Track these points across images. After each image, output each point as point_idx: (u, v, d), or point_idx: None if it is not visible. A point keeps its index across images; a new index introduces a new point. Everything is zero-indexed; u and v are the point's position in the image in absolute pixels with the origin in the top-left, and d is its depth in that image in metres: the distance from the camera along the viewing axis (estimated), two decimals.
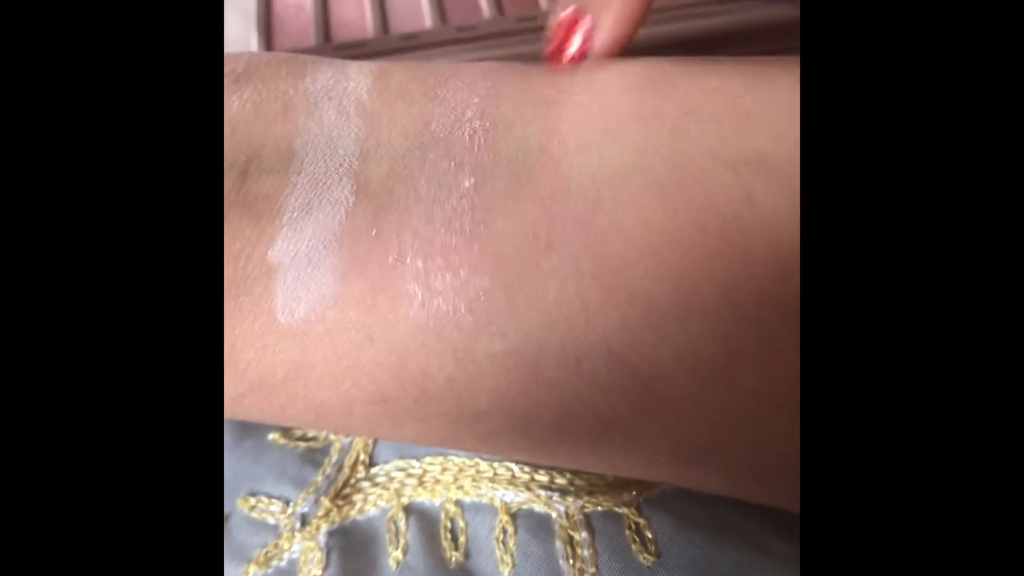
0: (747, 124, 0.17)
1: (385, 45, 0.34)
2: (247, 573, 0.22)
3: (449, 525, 0.22)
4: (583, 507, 0.22)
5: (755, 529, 0.21)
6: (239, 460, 0.24)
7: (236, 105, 0.19)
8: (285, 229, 0.18)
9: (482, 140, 0.18)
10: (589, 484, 0.22)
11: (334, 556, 0.22)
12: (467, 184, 0.18)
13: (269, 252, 0.18)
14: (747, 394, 0.17)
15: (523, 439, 0.18)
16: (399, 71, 0.20)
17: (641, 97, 0.18)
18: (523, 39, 0.34)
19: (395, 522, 0.22)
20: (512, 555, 0.21)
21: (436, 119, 0.19)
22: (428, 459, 0.23)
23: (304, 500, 0.23)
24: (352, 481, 0.23)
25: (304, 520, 0.23)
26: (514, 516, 0.22)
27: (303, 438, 0.24)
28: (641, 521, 0.21)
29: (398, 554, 0.21)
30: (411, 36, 0.34)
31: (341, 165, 0.18)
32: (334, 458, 0.24)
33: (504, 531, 0.21)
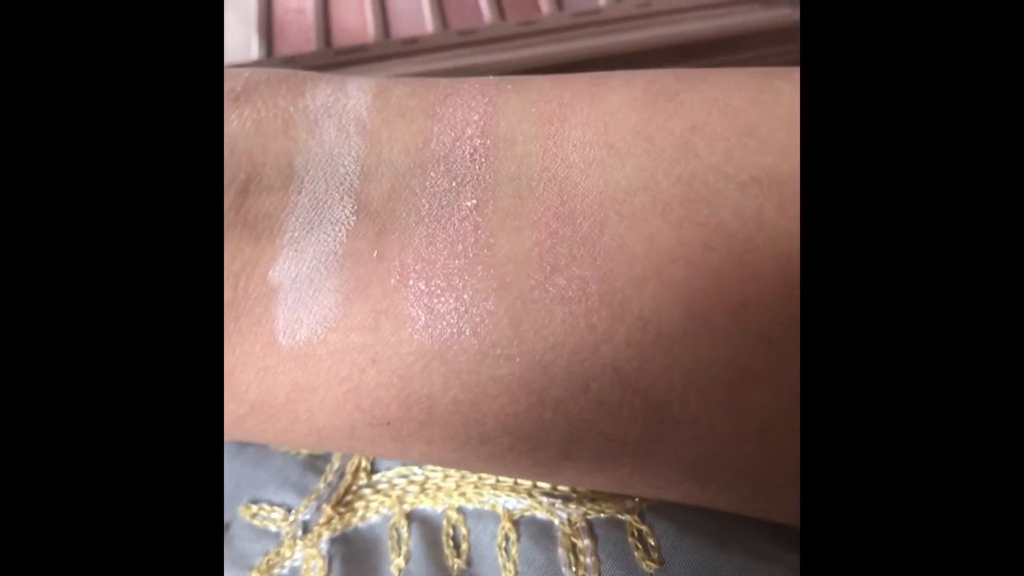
0: (752, 140, 0.17)
1: (386, 50, 0.34)
2: None
3: (451, 532, 0.22)
4: (586, 514, 0.22)
5: (758, 537, 0.21)
6: (241, 467, 0.24)
7: (236, 123, 0.19)
8: (286, 249, 0.18)
9: (483, 159, 0.18)
10: (592, 491, 0.22)
11: (336, 564, 0.21)
12: (469, 204, 0.18)
13: (270, 272, 0.18)
14: (757, 413, 0.16)
15: (530, 461, 0.18)
16: (398, 88, 0.20)
17: (646, 114, 0.18)
18: (524, 43, 0.34)
19: (397, 529, 0.22)
20: (515, 562, 0.21)
21: (436, 137, 0.19)
22: (430, 466, 0.23)
23: (306, 507, 0.23)
24: (354, 488, 0.23)
25: (306, 527, 0.22)
26: (516, 523, 0.22)
27: None
28: (644, 528, 0.21)
29: (400, 561, 0.21)
30: (412, 41, 0.34)
31: (342, 184, 0.18)
32: (336, 465, 0.24)
33: (507, 538, 0.21)
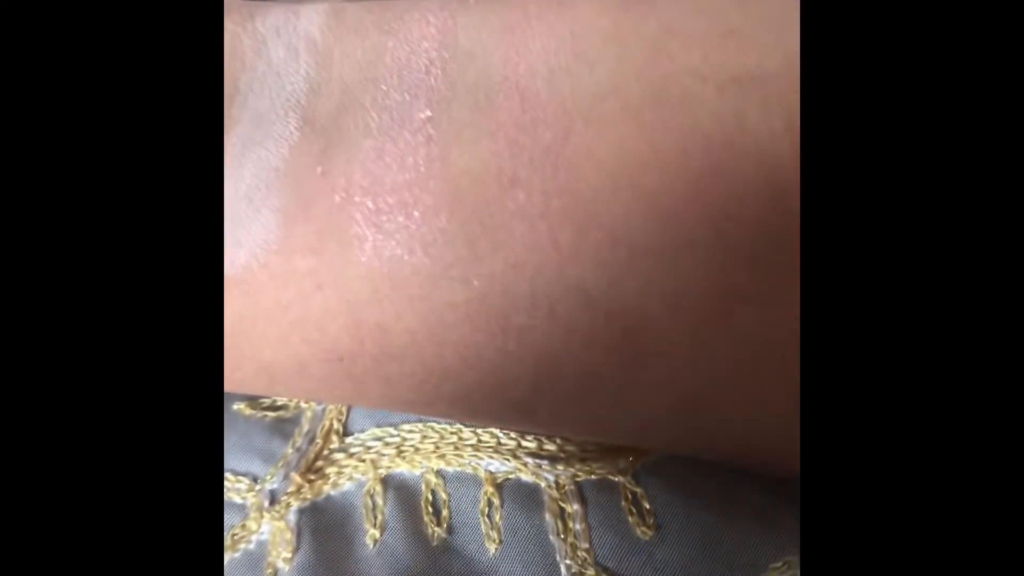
0: (734, 41, 0.16)
1: None
2: None
3: (430, 498, 0.20)
4: (575, 476, 0.20)
5: (763, 500, 0.19)
6: None
7: None
8: (224, 167, 0.17)
9: (439, 71, 0.17)
10: (581, 450, 0.20)
11: (305, 537, 0.20)
12: (422, 116, 0.17)
13: None
14: (744, 341, 0.16)
15: (499, 400, 0.17)
16: (353, 7, 0.19)
17: (617, 17, 0.17)
18: None
19: (372, 496, 0.21)
20: (498, 530, 0.19)
21: (391, 52, 0.18)
22: (407, 427, 0.21)
23: (273, 476, 0.21)
24: (325, 453, 0.22)
25: (273, 498, 0.21)
26: (500, 487, 0.20)
27: (271, 407, 0.23)
28: (638, 491, 0.19)
29: (375, 532, 0.20)
30: None
31: (288, 101, 0.18)
32: (305, 428, 0.22)
33: (489, 504, 0.20)
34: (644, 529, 0.19)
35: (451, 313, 0.16)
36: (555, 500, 0.20)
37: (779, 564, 0.18)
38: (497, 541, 0.19)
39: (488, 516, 0.20)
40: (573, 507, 0.19)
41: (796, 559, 0.18)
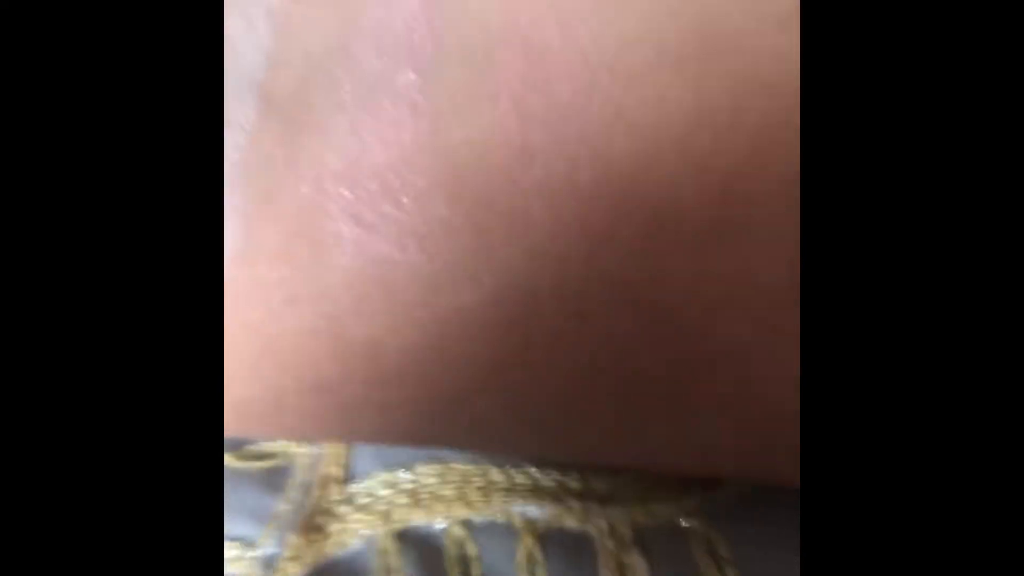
0: None
1: None
2: None
3: (456, 554, 0.17)
4: (634, 520, 0.17)
5: None
6: None
7: None
8: None
9: (424, 28, 0.14)
10: (638, 487, 0.17)
11: None
12: (404, 82, 0.14)
13: None
14: None
15: (526, 426, 0.15)
16: None
17: None
18: None
19: (386, 556, 0.17)
20: None
21: (364, 11, 0.15)
22: (422, 468, 0.18)
23: (267, 538, 0.18)
24: (325, 506, 0.18)
25: (269, 564, 0.18)
26: (542, 538, 0.17)
27: (260, 455, 0.19)
28: (713, 535, 0.16)
29: None
30: None
31: (242, 78, 0.15)
32: (300, 477, 0.19)
33: (530, 559, 0.17)
34: None
35: (458, 322, 0.14)
36: (611, 552, 0.16)
37: None
38: None
39: (530, 573, 0.17)
40: (634, 558, 0.16)
41: None
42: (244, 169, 0.15)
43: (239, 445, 0.19)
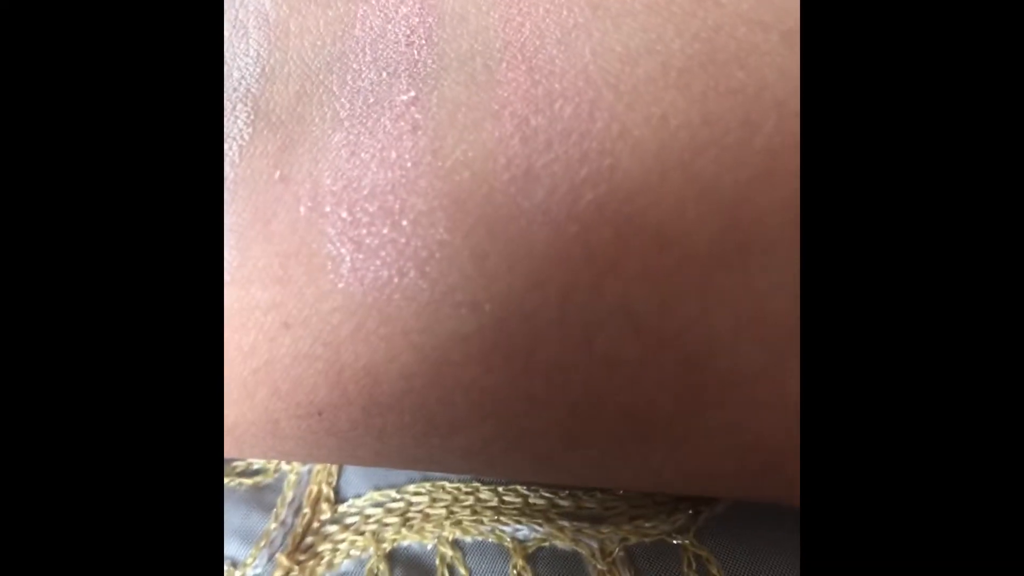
0: None
1: None
2: None
3: (447, 575, 0.17)
4: (624, 539, 0.16)
5: None
6: None
7: None
8: None
9: (423, 40, 0.14)
10: (629, 506, 0.17)
11: None
12: (404, 99, 0.13)
13: None
14: None
15: (523, 454, 0.14)
16: None
17: None
18: None
19: None
20: None
21: (361, 21, 0.14)
22: (412, 488, 0.18)
23: (255, 559, 0.17)
24: (315, 526, 0.18)
25: None
26: (532, 558, 0.17)
27: (247, 472, 0.19)
28: (703, 553, 0.16)
29: None
30: None
31: (236, 90, 0.14)
32: (288, 496, 0.18)
33: None
34: None
35: (459, 349, 0.13)
36: (602, 572, 0.16)
37: None
38: None
39: None
40: None
41: None
42: (237, 186, 0.14)
43: (226, 461, 0.19)
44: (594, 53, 0.13)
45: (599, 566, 0.16)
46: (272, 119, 0.14)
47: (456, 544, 0.17)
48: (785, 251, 0.12)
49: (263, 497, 0.18)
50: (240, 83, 0.15)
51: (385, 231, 0.13)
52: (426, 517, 0.17)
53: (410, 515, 0.18)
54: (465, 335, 0.13)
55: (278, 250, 0.14)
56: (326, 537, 0.18)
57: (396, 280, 0.13)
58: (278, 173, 0.14)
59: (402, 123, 0.13)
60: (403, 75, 0.14)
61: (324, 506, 0.18)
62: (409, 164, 0.13)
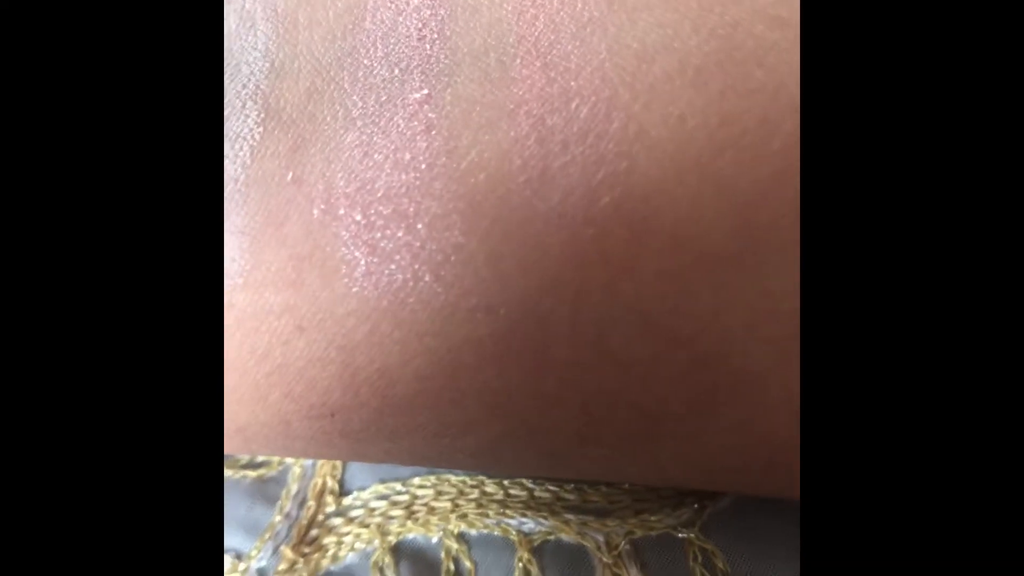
0: None
1: None
2: None
3: (452, 568, 0.17)
4: (629, 533, 0.16)
5: None
6: None
7: None
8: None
9: (435, 35, 0.14)
10: (633, 499, 0.17)
11: None
12: (417, 97, 0.13)
13: None
14: None
15: (533, 452, 0.14)
16: None
17: None
18: None
19: (381, 570, 0.17)
20: None
21: (371, 14, 0.14)
22: (417, 481, 0.18)
23: (259, 551, 0.17)
24: (320, 518, 0.18)
25: None
26: (537, 551, 0.17)
27: (251, 464, 0.19)
28: (709, 547, 0.16)
29: None
30: None
31: (244, 87, 0.14)
32: (293, 488, 0.18)
33: (526, 573, 0.16)
34: None
35: (473, 352, 0.13)
36: (607, 565, 0.16)
37: None
38: None
39: None
40: (630, 572, 0.16)
41: None
42: (249, 188, 0.14)
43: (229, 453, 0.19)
44: (610, 50, 0.13)
45: (605, 559, 0.16)
46: (283, 118, 0.14)
47: (461, 537, 0.17)
48: (798, 251, 0.12)
49: (267, 490, 0.18)
50: (249, 80, 0.14)
51: (400, 234, 0.13)
52: (431, 510, 0.17)
53: (415, 508, 0.18)
54: (479, 338, 0.13)
55: (291, 253, 0.14)
56: (331, 530, 0.18)
57: (411, 284, 0.13)
58: (291, 175, 0.14)
59: (415, 123, 0.13)
60: (415, 71, 0.14)
61: (329, 499, 0.18)
62: (423, 166, 0.13)
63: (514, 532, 0.17)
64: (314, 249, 0.13)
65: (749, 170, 0.12)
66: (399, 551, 0.17)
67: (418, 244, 0.13)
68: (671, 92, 0.12)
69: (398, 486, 0.18)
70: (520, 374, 0.13)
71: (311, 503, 0.18)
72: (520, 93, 0.13)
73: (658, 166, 0.12)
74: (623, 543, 0.16)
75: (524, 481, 0.17)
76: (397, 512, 0.18)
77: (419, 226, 0.13)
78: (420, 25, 0.14)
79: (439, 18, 0.14)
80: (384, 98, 0.14)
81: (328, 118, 0.14)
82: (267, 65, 0.14)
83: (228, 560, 0.17)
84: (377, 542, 0.17)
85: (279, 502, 0.18)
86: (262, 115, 0.14)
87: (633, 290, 0.13)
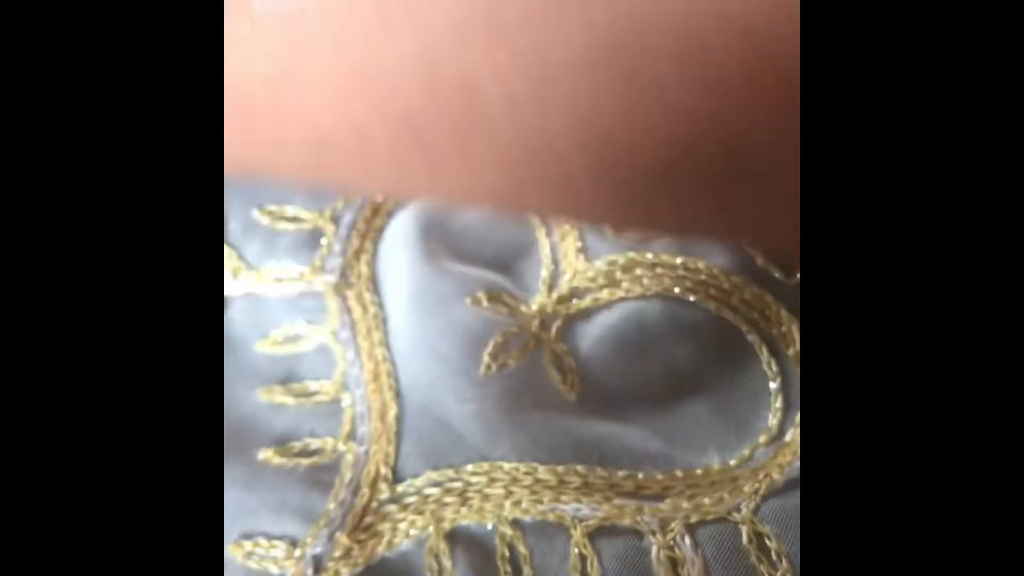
0: None
1: None
2: None
3: (507, 554, 0.17)
4: (684, 517, 0.17)
5: None
6: (227, 491, 0.18)
7: None
8: None
9: None
10: (687, 484, 0.17)
11: None
12: None
13: None
14: None
15: (613, 186, 0.14)
16: None
17: None
18: None
19: (436, 556, 0.17)
20: None
21: None
22: (470, 468, 0.18)
23: (315, 538, 0.18)
24: (374, 505, 0.18)
25: (318, 565, 0.17)
26: (593, 537, 0.17)
27: (304, 452, 0.19)
28: (762, 529, 0.16)
29: None
30: None
31: None
32: (347, 476, 0.18)
33: (582, 559, 0.17)
34: None
35: (567, 75, 0.12)
36: (663, 548, 0.16)
37: None
38: None
39: (582, 573, 0.17)
40: (687, 555, 0.16)
41: None
42: None
43: (282, 441, 0.19)
44: None
45: (660, 542, 0.16)
46: None
47: (516, 523, 0.17)
48: None
49: (321, 477, 0.19)
50: None
51: None
52: (485, 497, 0.18)
53: (468, 495, 0.18)
54: (575, 61, 0.12)
55: None
56: (385, 517, 0.18)
57: None
58: None
59: None
60: None
61: (382, 486, 0.18)
62: None
63: (568, 518, 0.17)
64: None
65: None
66: (454, 537, 0.17)
67: None
68: None
69: (451, 473, 0.18)
70: (612, 92, 0.12)
71: (365, 490, 0.18)
72: None
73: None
74: (679, 528, 0.16)
75: (577, 468, 0.18)
76: (451, 499, 0.18)
77: None
78: None
79: None
80: None
81: None
82: None
83: (283, 547, 0.18)
84: (432, 529, 0.17)
85: (333, 489, 0.18)
86: None
87: (739, 8, 0.12)
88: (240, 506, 0.18)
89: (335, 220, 0.21)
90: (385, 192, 0.19)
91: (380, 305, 0.20)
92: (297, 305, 0.20)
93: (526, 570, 0.17)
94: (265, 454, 0.19)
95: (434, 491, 0.18)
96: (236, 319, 0.21)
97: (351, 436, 0.19)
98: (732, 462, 0.18)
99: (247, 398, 0.20)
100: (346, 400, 0.19)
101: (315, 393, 0.20)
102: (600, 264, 0.20)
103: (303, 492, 0.18)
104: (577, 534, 0.17)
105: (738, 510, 0.17)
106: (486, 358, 0.18)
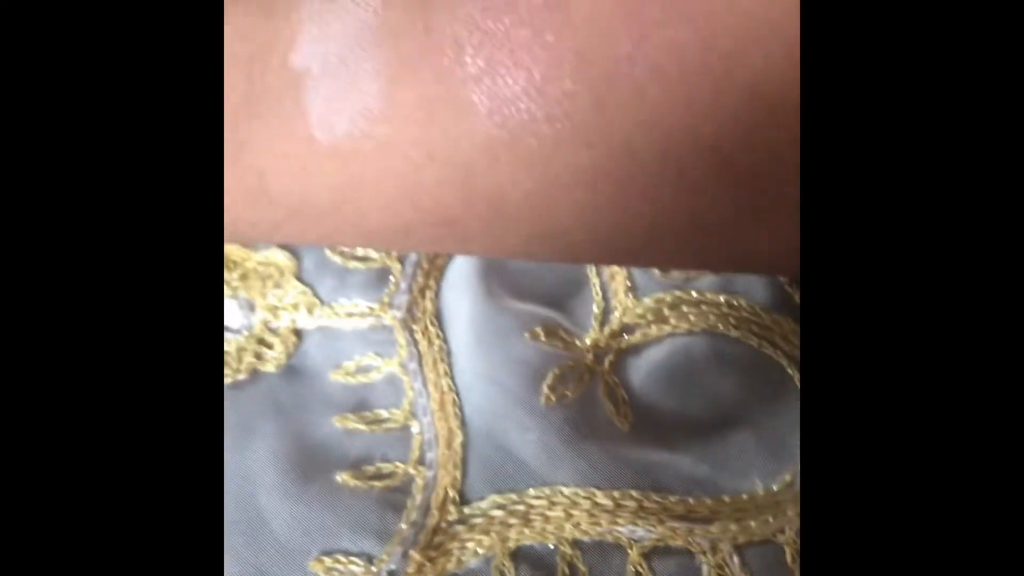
0: None
1: None
2: None
3: (567, 572, 0.19)
4: (733, 538, 0.18)
5: None
6: (308, 511, 0.20)
7: None
8: (306, 24, 0.16)
9: None
10: (734, 507, 0.18)
11: None
12: None
13: (292, 55, 0.16)
14: None
15: (606, 251, 0.18)
16: None
17: None
18: None
19: (503, 573, 0.19)
20: None
21: None
22: (532, 492, 0.20)
23: (390, 555, 0.19)
24: (443, 526, 0.20)
25: None
26: (647, 556, 0.18)
27: (377, 475, 0.21)
28: None
29: None
30: None
31: None
32: (418, 498, 0.20)
33: (638, 574, 0.18)
34: None
35: (572, 176, 0.15)
36: (713, 567, 0.18)
37: None
38: None
39: None
40: (736, 574, 0.18)
41: None
42: (380, 34, 0.15)
43: (357, 464, 0.21)
44: None
45: (710, 562, 0.18)
46: None
47: (576, 543, 0.19)
48: None
49: (394, 498, 0.20)
50: None
51: (519, 81, 0.15)
52: (546, 519, 0.19)
53: (531, 517, 0.19)
54: (580, 166, 0.15)
55: (424, 94, 0.15)
56: (454, 536, 0.19)
57: (528, 124, 0.15)
58: (422, 25, 0.15)
59: None
60: None
61: (451, 508, 0.20)
62: (539, 21, 0.15)
63: (625, 539, 0.18)
64: (445, 91, 0.15)
65: None
66: (518, 556, 0.19)
67: (534, 91, 0.15)
68: None
69: (514, 496, 0.20)
70: (608, 196, 0.15)
71: (434, 512, 0.20)
72: None
73: (741, 28, 0.14)
74: (727, 547, 0.18)
75: (633, 493, 0.19)
76: (514, 521, 0.19)
77: (535, 74, 0.15)
78: None
79: None
80: None
81: None
82: None
83: (361, 563, 0.19)
84: (498, 548, 0.19)
85: (405, 511, 0.20)
86: None
87: (712, 132, 0.14)
88: (321, 525, 0.20)
89: (401, 259, 0.22)
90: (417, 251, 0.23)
91: (444, 339, 0.22)
92: (368, 338, 0.22)
93: None
94: (342, 477, 0.20)
95: (499, 513, 0.19)
96: (311, 351, 0.22)
97: (420, 461, 0.20)
98: (775, 487, 0.19)
99: (323, 424, 0.21)
100: (415, 427, 0.21)
101: (386, 420, 0.21)
102: (648, 301, 0.21)
103: (378, 513, 0.20)
104: (633, 554, 0.18)
105: (782, 532, 0.18)
106: (546, 389, 0.20)
